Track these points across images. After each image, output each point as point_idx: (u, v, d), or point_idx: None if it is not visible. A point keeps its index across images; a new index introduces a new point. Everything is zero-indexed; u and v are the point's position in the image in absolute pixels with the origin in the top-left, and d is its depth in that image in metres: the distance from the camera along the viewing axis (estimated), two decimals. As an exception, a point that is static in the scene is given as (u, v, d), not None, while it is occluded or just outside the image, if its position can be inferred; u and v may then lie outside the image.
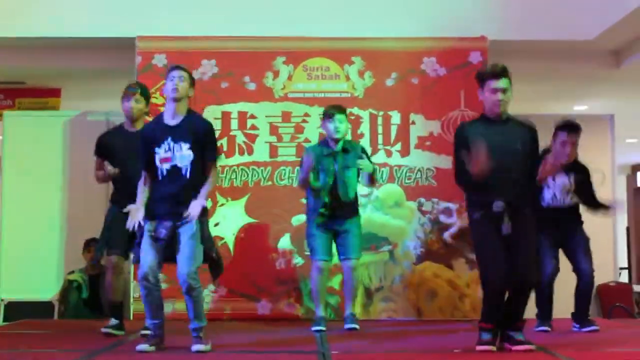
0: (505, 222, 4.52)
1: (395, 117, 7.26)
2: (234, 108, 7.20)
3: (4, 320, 7.62)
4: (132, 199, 5.24)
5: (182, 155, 4.71)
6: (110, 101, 9.14)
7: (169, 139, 4.73)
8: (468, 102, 7.22)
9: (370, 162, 6.04)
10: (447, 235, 7.07)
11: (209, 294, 6.94)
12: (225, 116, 7.19)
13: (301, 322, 6.55)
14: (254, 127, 7.18)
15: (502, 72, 4.67)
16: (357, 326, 5.92)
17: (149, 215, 4.73)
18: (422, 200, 7.09)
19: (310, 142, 6.98)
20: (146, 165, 4.80)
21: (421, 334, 5.77)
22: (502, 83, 4.65)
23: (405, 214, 7.11)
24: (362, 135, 7.19)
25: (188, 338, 4.76)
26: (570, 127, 5.70)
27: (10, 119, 8.20)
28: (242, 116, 7.18)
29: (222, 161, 7.09)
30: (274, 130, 7.19)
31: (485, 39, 7.37)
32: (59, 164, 7.99)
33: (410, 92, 7.27)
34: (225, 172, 7.07)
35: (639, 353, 4.74)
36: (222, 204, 7.06)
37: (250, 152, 7.16)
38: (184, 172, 4.72)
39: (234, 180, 7.06)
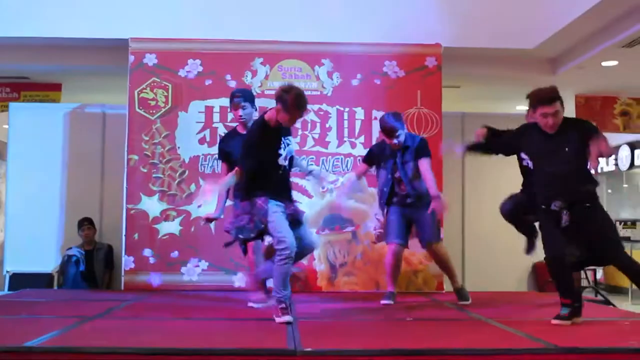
0: (563, 216, 4.50)
1: (360, 113, 7.26)
2: (216, 103, 7.15)
3: (9, 290, 7.55)
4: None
5: (290, 149, 4.79)
6: (106, 95, 9.15)
7: (283, 139, 4.75)
8: (424, 100, 7.27)
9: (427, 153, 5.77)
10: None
11: (192, 268, 6.94)
12: (209, 110, 7.15)
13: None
14: (234, 120, 7.14)
15: (552, 99, 4.57)
16: (391, 302, 5.72)
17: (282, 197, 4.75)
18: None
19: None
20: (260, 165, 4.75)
21: (379, 305, 5.78)
22: (552, 108, 4.53)
23: (367, 199, 7.13)
24: (329, 128, 7.18)
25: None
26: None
27: (16, 110, 8.08)
28: (224, 110, 7.11)
29: (205, 150, 7.09)
30: (252, 123, 7.17)
31: (439, 45, 7.38)
32: (59, 151, 7.90)
33: (373, 91, 7.27)
34: (207, 160, 7.05)
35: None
36: (205, 188, 7.02)
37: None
38: (287, 164, 4.82)
39: (215, 167, 7.02)
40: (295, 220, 4.76)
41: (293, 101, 4.57)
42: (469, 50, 7.79)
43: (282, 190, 4.78)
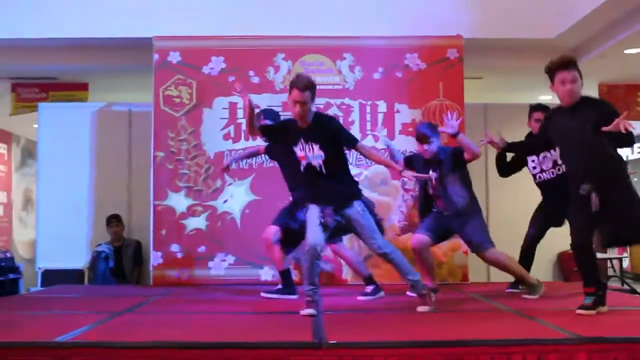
0: (593, 200, 4.39)
1: (382, 106, 7.24)
2: (240, 99, 7.17)
3: (42, 286, 7.66)
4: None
5: (315, 155, 4.73)
6: (132, 93, 9.20)
7: (302, 140, 4.73)
8: (446, 92, 7.22)
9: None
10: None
11: (219, 263, 6.97)
12: (232, 106, 7.17)
13: (299, 287, 6.56)
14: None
15: (569, 63, 4.47)
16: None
17: (314, 201, 4.78)
18: (405, 179, 7.06)
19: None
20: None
21: (404, 296, 5.75)
22: (570, 74, 4.43)
23: (391, 191, 7.11)
24: (352, 122, 7.16)
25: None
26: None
27: (45, 110, 8.19)
28: (247, 106, 7.15)
29: (230, 146, 7.11)
30: (275, 118, 7.17)
31: (460, 37, 7.33)
32: (87, 149, 7.99)
33: (395, 84, 7.24)
34: (232, 156, 7.07)
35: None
36: (230, 184, 7.05)
37: (255, 138, 7.13)
38: (318, 169, 4.75)
39: (240, 162, 7.03)
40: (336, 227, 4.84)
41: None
42: (490, 41, 7.72)
43: (319, 194, 4.79)
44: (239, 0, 7.63)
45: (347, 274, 7.01)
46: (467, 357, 3.44)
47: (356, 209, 4.76)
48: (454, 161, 5.39)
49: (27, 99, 9.25)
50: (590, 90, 9.10)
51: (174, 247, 7.00)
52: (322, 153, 4.70)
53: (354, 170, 6.88)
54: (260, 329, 4.17)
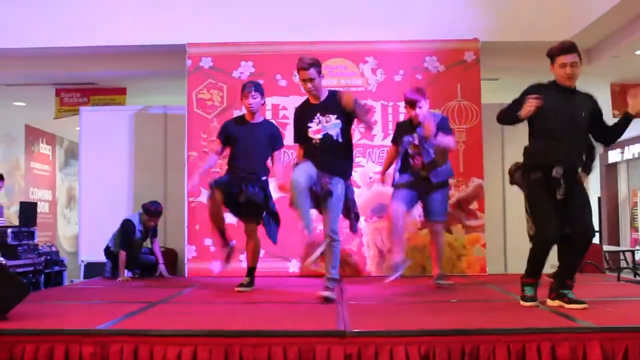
0: (561, 187, 4.22)
1: (403, 107, 7.18)
2: (268, 101, 7.17)
3: (84, 277, 7.73)
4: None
5: (333, 124, 4.79)
6: (167, 97, 9.25)
7: (318, 115, 4.79)
8: (464, 93, 7.19)
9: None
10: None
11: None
12: (261, 108, 7.16)
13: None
14: (284, 117, 7.15)
15: (571, 48, 4.37)
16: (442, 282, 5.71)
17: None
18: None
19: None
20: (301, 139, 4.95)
21: (425, 288, 5.74)
22: (571, 58, 4.34)
23: (411, 187, 7.06)
24: (375, 122, 7.13)
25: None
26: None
27: (86, 113, 8.29)
28: (275, 108, 7.18)
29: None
30: (301, 119, 7.16)
31: (477, 40, 7.29)
32: (126, 150, 8.06)
33: (415, 86, 7.20)
34: (261, 155, 7.09)
35: (602, 302, 4.70)
36: (260, 181, 7.06)
37: (282, 138, 7.13)
38: (335, 137, 4.80)
39: (268, 161, 7.02)
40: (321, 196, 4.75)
41: None
42: (506, 44, 7.66)
43: (320, 164, 4.74)
44: (266, 9, 7.64)
45: (370, 266, 7.00)
46: (484, 345, 3.41)
47: (337, 186, 4.76)
48: (439, 129, 5.43)
49: (70, 103, 9.36)
50: (603, 89, 8.99)
51: (207, 241, 7.03)
52: (339, 122, 4.78)
53: (375, 168, 6.90)
54: (287, 317, 4.16)
